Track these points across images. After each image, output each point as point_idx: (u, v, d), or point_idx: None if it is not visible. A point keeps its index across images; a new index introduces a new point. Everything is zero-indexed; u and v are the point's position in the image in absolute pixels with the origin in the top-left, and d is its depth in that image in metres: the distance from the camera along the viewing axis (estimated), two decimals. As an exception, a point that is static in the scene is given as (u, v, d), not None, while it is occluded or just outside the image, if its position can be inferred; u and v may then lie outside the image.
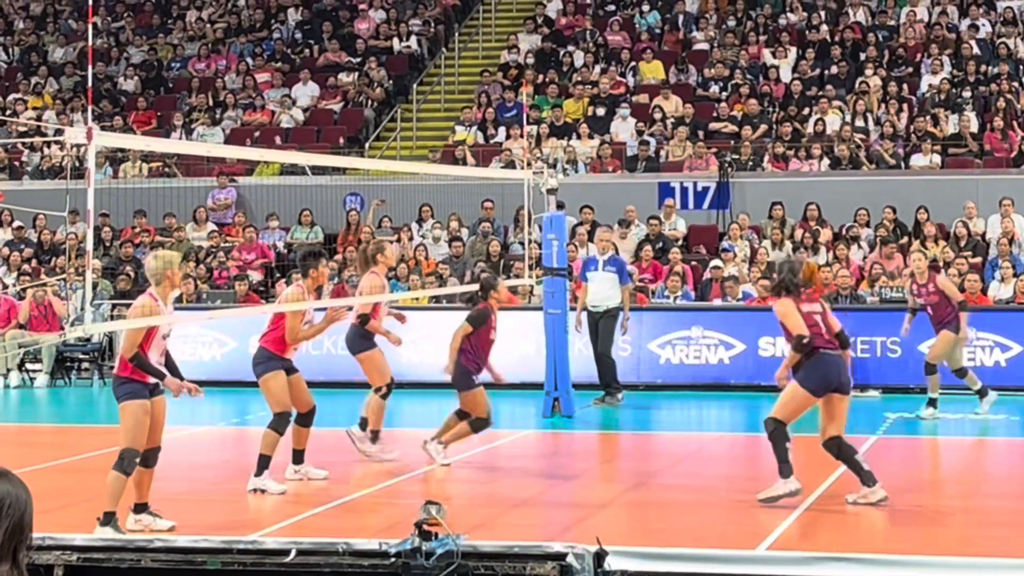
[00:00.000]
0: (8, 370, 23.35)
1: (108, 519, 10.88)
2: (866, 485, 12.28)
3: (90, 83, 11.40)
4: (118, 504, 10.96)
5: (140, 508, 11.43)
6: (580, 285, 20.84)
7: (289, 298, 13.76)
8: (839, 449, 12.32)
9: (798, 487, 12.20)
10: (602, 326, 20.41)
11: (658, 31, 32.05)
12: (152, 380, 11.10)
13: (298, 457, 13.97)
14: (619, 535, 10.91)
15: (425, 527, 7.14)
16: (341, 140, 29.78)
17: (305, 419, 13.81)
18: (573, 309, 20.21)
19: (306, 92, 31.48)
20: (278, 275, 25.74)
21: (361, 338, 15.44)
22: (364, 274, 15.53)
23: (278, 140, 29.56)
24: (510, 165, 26.83)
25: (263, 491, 13.16)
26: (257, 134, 29.96)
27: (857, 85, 28.69)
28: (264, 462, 13.21)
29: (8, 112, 30.67)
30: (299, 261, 14.22)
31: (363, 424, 15.50)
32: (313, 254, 13.81)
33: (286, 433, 13.40)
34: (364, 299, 15.36)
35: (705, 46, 31.23)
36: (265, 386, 13.51)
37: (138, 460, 11.05)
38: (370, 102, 31.31)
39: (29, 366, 23.98)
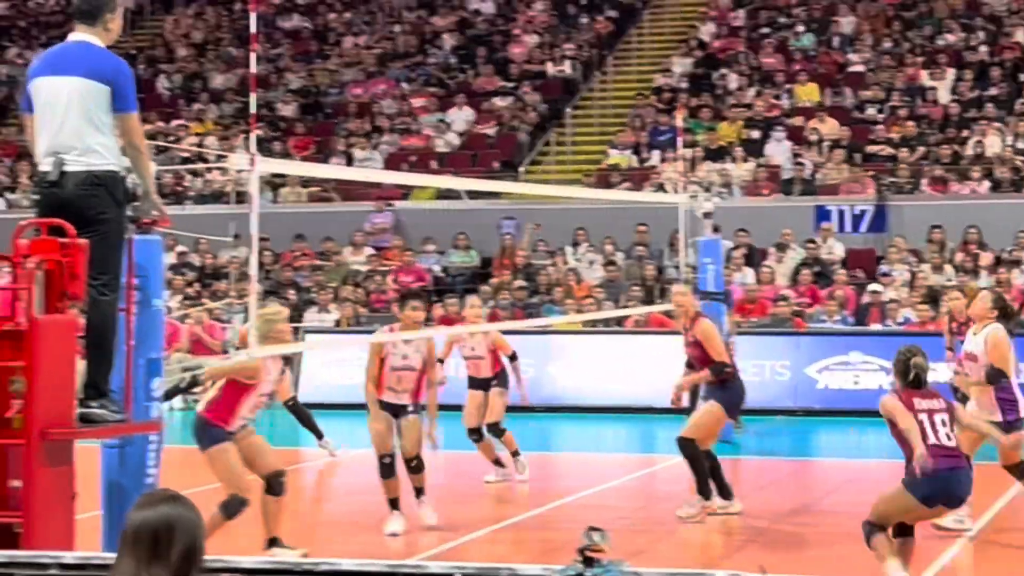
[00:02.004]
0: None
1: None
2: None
3: (253, 109, 11.56)
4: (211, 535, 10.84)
5: (272, 542, 11.41)
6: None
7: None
8: None
9: None
10: None
11: (813, 52, 31.86)
12: (235, 427, 11.16)
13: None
14: (778, 563, 10.88)
15: (588, 553, 7.17)
16: (496, 164, 29.97)
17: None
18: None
19: (461, 117, 31.74)
20: (435, 298, 25.96)
21: None
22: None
23: (434, 164, 29.83)
24: (660, 188, 26.84)
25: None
26: (413, 158, 30.26)
27: (1017, 106, 28.30)
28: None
29: (171, 138, 31.28)
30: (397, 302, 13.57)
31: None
32: (406, 295, 13.44)
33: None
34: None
35: (861, 67, 30.98)
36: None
37: (244, 506, 11.03)
38: (524, 126, 31.48)
39: (192, 389, 24.38)
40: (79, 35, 8.75)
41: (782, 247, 25.53)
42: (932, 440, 10.06)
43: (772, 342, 22.30)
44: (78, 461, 8.30)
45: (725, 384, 13.62)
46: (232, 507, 10.96)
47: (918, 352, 10.39)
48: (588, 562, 8.89)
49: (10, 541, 7.87)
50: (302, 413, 17.82)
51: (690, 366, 14.00)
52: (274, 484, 11.41)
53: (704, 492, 13.28)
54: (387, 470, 12.73)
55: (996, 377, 12.06)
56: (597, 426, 21.01)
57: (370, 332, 23.12)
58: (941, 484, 10.06)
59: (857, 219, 26.54)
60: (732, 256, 24.94)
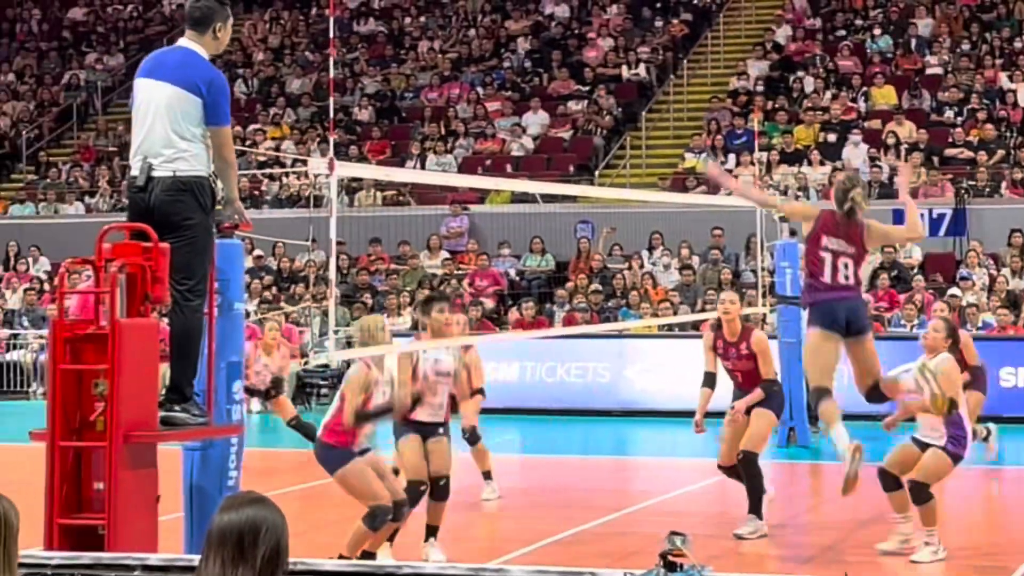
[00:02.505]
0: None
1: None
2: None
3: (331, 114, 11.61)
4: (355, 554, 10.64)
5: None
6: None
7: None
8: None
9: None
10: None
11: (890, 55, 31.64)
12: (359, 446, 10.78)
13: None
14: (858, 568, 10.81)
15: (670, 557, 7.12)
16: (571, 168, 29.95)
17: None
18: None
19: (536, 120, 31.74)
20: (510, 302, 26.00)
21: None
22: None
23: (509, 168, 29.85)
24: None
25: None
26: (488, 162, 30.28)
27: (1098, 108, 28.02)
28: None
29: (248, 142, 31.46)
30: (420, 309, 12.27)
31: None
32: (430, 299, 12.30)
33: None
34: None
35: (939, 70, 30.74)
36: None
37: (390, 516, 10.83)
38: (599, 130, 31.44)
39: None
40: (185, 41, 8.81)
41: (859, 251, 25.33)
42: (827, 279, 10.84)
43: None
44: (160, 464, 8.35)
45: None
46: (377, 517, 10.73)
47: (858, 183, 11.37)
48: (670, 567, 8.84)
49: (95, 543, 7.94)
50: (307, 430, 17.50)
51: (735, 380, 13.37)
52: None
53: (758, 511, 12.76)
54: (412, 503, 11.35)
55: None
56: (673, 430, 20.93)
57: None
58: (829, 308, 10.79)
59: (935, 223, 26.33)
60: (809, 260, 24.76)
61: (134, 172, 8.62)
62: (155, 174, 8.52)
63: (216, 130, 8.61)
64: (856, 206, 11.19)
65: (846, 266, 10.93)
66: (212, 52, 8.81)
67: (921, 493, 11.52)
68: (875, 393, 11.14)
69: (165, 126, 8.53)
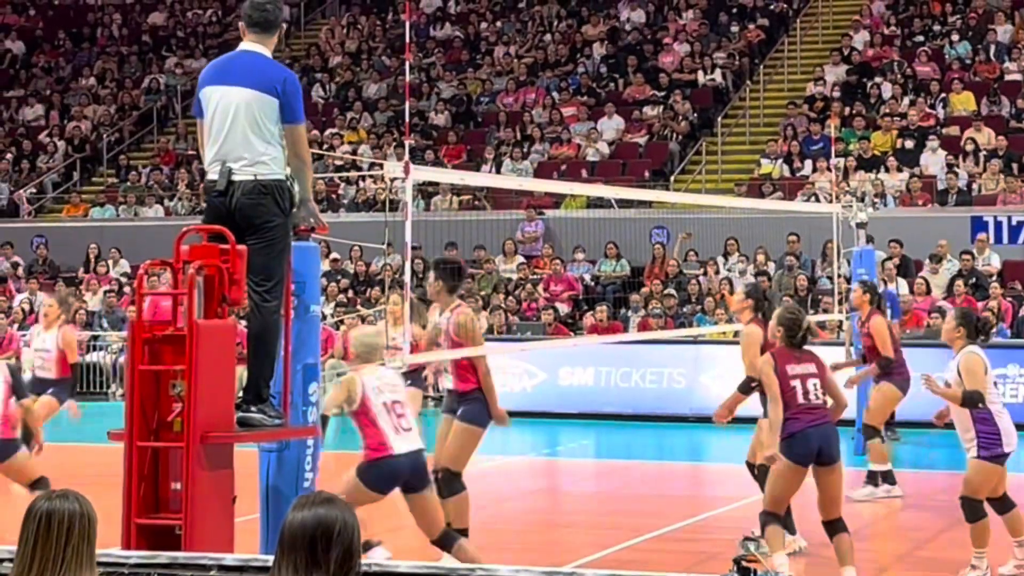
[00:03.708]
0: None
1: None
2: None
3: (407, 118, 11.64)
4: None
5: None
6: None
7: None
8: None
9: None
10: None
11: (968, 61, 31.39)
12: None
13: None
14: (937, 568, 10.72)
15: (744, 563, 7.11)
16: (646, 173, 29.92)
17: None
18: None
19: (611, 125, 31.72)
20: (585, 307, 25.99)
21: None
22: None
23: (584, 173, 29.85)
24: (813, 198, 26.61)
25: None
26: (564, 167, 30.29)
27: None
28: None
29: (326, 146, 31.61)
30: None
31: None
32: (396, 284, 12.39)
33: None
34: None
35: (1018, 76, 30.47)
36: None
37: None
38: (675, 135, 31.39)
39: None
40: (250, 45, 8.87)
41: (937, 258, 25.19)
42: (801, 401, 10.62)
43: (927, 354, 21.98)
44: (237, 465, 8.41)
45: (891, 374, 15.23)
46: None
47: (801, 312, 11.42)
48: (745, 572, 8.83)
49: (171, 542, 8.01)
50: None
51: (863, 358, 15.87)
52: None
53: (874, 478, 14.61)
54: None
55: None
56: (748, 436, 20.86)
57: (522, 340, 23.29)
58: (808, 441, 10.54)
59: (1015, 230, 26.11)
60: (885, 267, 24.65)
61: (213, 176, 8.69)
62: (236, 178, 8.58)
63: (292, 128, 8.68)
64: (810, 334, 11.39)
65: (815, 386, 10.85)
66: (271, 53, 8.89)
67: (971, 510, 11.29)
68: (832, 527, 10.79)
69: (247, 129, 8.59)
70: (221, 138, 8.66)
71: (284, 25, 9.22)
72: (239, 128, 8.60)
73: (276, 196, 8.61)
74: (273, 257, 8.57)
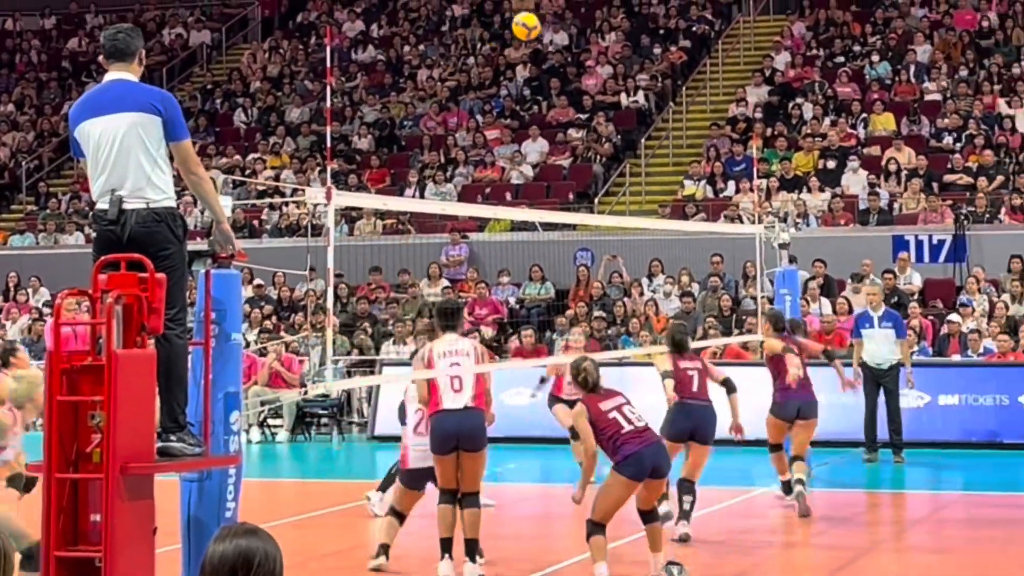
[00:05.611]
0: (250, 426, 23.87)
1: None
2: None
3: (329, 143, 11.59)
4: None
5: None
6: (856, 342, 20.28)
7: None
8: None
9: None
10: (889, 383, 19.97)
11: (889, 82, 31.67)
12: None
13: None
14: None
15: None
16: (571, 196, 29.96)
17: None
18: (848, 364, 19.47)
19: (535, 148, 31.75)
20: (510, 330, 25.96)
21: None
22: None
23: (508, 196, 29.85)
24: (736, 219, 26.71)
25: None
26: (488, 190, 30.30)
27: (1097, 134, 28.02)
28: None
29: (248, 172, 31.47)
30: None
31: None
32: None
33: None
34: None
35: (938, 96, 30.77)
36: None
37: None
38: (599, 157, 31.46)
39: (270, 422, 24.49)
40: (115, 74, 8.76)
41: (859, 277, 25.34)
42: (627, 428, 11.49)
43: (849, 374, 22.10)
44: (158, 495, 8.31)
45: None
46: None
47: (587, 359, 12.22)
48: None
49: (92, 575, 7.90)
50: None
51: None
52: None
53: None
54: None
55: None
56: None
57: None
58: (641, 460, 11.43)
59: (935, 249, 26.33)
60: (808, 287, 24.78)
61: (103, 206, 8.54)
62: (127, 207, 8.46)
63: (178, 145, 8.59)
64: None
65: (631, 411, 11.75)
66: (138, 76, 8.79)
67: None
68: (645, 516, 11.90)
69: (131, 154, 8.46)
70: (108, 167, 8.51)
71: (143, 50, 9.02)
72: (126, 153, 8.47)
73: (169, 223, 8.51)
74: (173, 284, 8.45)
